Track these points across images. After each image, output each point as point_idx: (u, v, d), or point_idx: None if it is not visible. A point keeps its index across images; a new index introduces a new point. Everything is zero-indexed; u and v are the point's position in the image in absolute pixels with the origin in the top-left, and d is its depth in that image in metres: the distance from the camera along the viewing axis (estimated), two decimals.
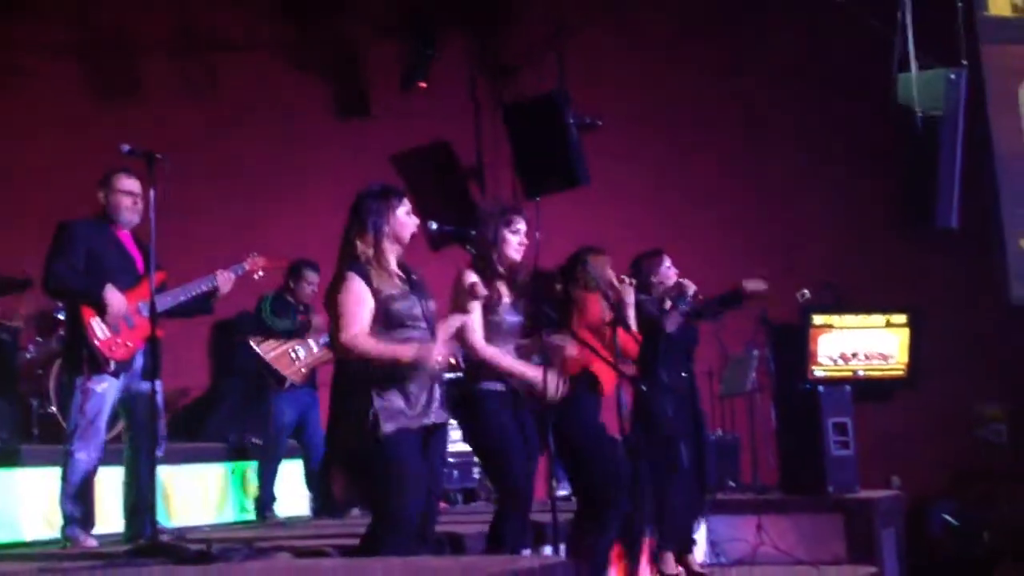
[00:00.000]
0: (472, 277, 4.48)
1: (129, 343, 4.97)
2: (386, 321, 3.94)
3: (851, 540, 7.10)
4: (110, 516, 5.33)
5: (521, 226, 4.68)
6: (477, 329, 4.44)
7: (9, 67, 8.32)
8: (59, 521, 5.01)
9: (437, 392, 4.03)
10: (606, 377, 5.11)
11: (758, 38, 10.24)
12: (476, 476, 7.85)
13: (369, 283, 3.93)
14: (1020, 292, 10.28)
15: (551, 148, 8.04)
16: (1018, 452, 9.99)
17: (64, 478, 4.94)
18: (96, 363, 4.89)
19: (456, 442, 7.35)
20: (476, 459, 7.21)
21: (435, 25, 9.24)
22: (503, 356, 4.45)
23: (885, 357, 8.00)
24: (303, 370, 6.65)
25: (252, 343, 6.69)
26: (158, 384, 4.73)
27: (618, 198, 9.64)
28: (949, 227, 7.60)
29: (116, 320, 4.94)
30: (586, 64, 9.36)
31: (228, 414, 8.05)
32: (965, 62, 7.61)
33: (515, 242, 4.62)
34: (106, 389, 4.94)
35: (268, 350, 6.64)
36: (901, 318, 8.01)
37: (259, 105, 8.94)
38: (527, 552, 4.55)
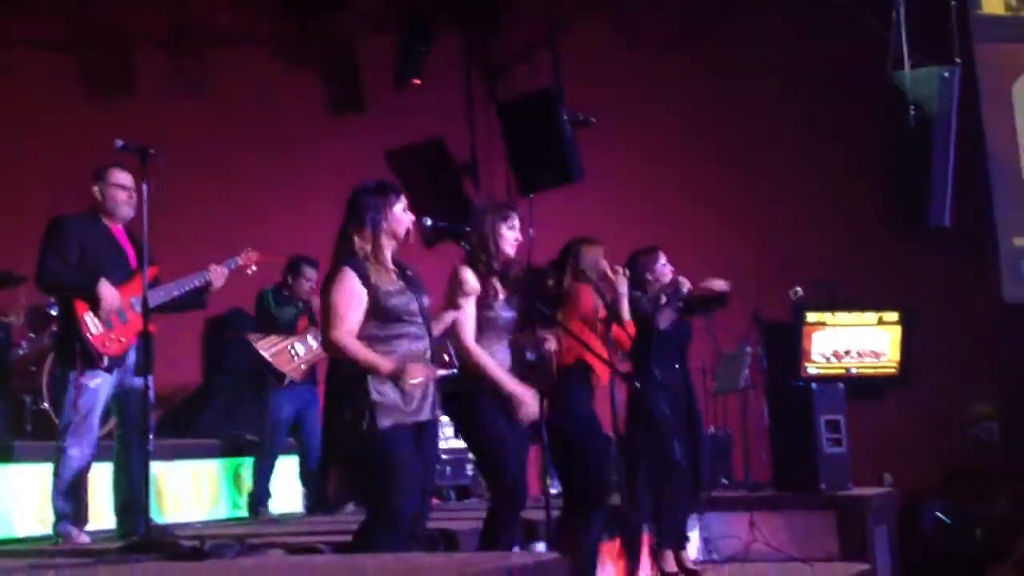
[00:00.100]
0: (468, 273, 4.48)
1: (122, 338, 4.97)
2: (383, 316, 3.95)
3: (844, 537, 7.11)
4: (103, 512, 5.33)
5: (516, 222, 4.69)
6: (469, 328, 4.45)
7: (4, 63, 8.30)
8: (51, 517, 5.00)
9: (431, 388, 4.04)
10: (600, 367, 5.12)
11: (753, 36, 10.24)
12: (469, 473, 7.86)
13: (367, 279, 3.94)
14: (1013, 291, 10.29)
15: (546, 144, 8.04)
16: (1010, 450, 10.02)
17: (57, 474, 4.94)
18: (89, 358, 4.89)
19: (449, 439, 7.38)
20: (470, 455, 7.21)
21: (430, 21, 9.24)
22: (492, 362, 4.44)
23: (878, 355, 8.01)
24: (302, 367, 6.65)
25: (251, 340, 6.69)
26: (150, 380, 4.73)
27: (612, 195, 9.64)
28: (942, 225, 7.63)
29: (109, 315, 4.94)
30: (581, 60, 9.36)
31: (221, 410, 8.04)
32: (959, 60, 7.62)
33: (510, 238, 4.63)
34: (99, 385, 4.93)
35: (267, 347, 6.64)
36: (894, 316, 8.02)
37: (254, 101, 8.93)
38: (516, 549, 4.55)
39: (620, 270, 5.35)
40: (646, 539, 6.01)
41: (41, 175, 7.84)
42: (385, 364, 3.88)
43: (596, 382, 5.19)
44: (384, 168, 8.75)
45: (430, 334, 4.10)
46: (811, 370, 7.78)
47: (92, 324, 4.91)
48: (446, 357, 4.57)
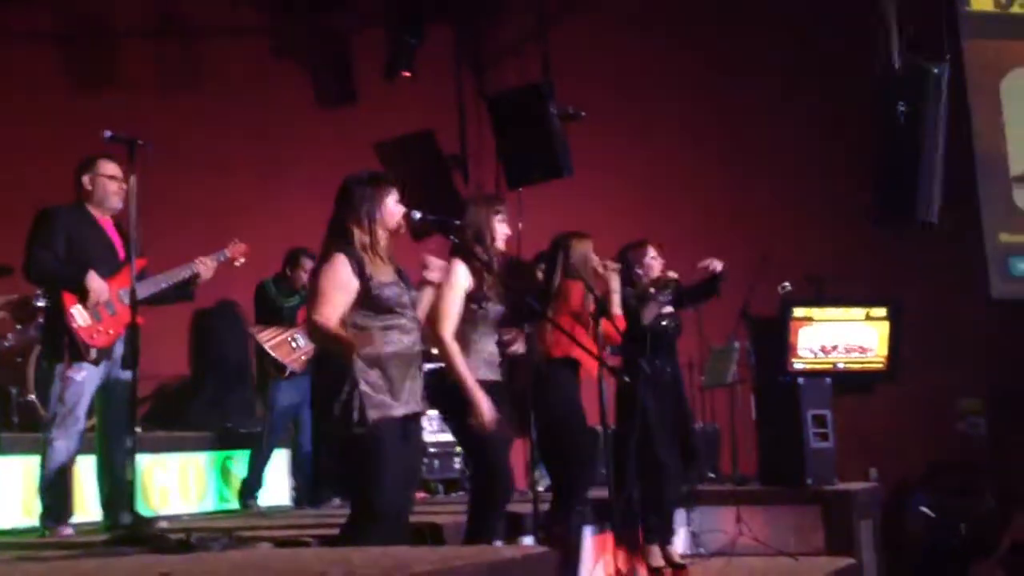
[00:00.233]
0: (462, 268, 4.49)
1: (110, 330, 4.95)
2: (375, 307, 3.95)
3: (829, 531, 7.14)
4: (89, 505, 5.32)
5: (505, 215, 4.70)
6: (450, 322, 4.44)
7: None
8: (37, 509, 4.99)
9: (418, 380, 4.04)
10: (588, 362, 5.13)
11: (742, 31, 10.26)
12: (457, 466, 7.86)
13: (363, 269, 3.94)
14: (1000, 286, 10.34)
15: (535, 138, 8.04)
16: (996, 445, 10.07)
17: (43, 466, 4.92)
18: (77, 351, 4.87)
19: (437, 432, 7.38)
20: (458, 449, 7.22)
21: (420, 14, 9.21)
22: (461, 360, 4.43)
23: (864, 350, 8.05)
24: (303, 358, 6.65)
25: (252, 331, 6.71)
26: (136, 372, 4.71)
27: (600, 189, 9.64)
28: (930, 221, 7.65)
29: (97, 307, 4.92)
30: (570, 54, 9.36)
31: (208, 403, 8.03)
32: (948, 57, 7.64)
33: (502, 232, 4.64)
34: (86, 377, 4.91)
35: (268, 338, 6.65)
36: (881, 311, 8.06)
37: (243, 93, 8.90)
38: (499, 543, 4.56)
39: (610, 265, 5.36)
40: (635, 533, 6.02)
41: (28, 166, 7.80)
42: (350, 346, 3.85)
43: (583, 376, 5.20)
44: (374, 161, 8.74)
45: (419, 324, 4.11)
46: (798, 365, 7.81)
47: (80, 316, 4.89)
48: (435, 351, 4.58)
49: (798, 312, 7.82)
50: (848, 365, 7.98)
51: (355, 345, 3.85)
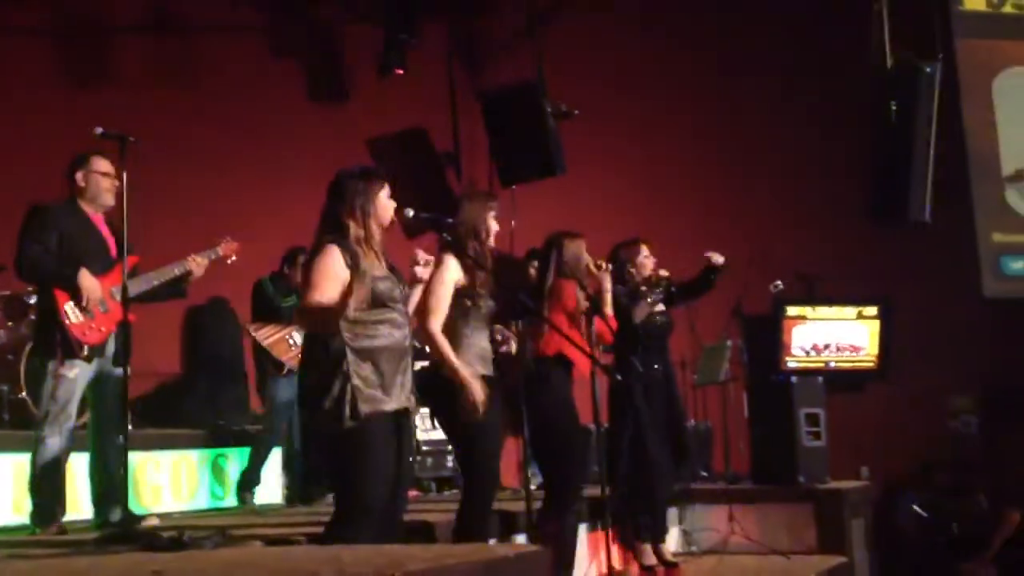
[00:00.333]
0: (453, 262, 4.48)
1: (102, 328, 4.94)
2: (370, 301, 3.95)
3: (821, 530, 7.15)
4: (81, 502, 5.30)
5: (497, 212, 4.71)
6: (439, 316, 4.44)
7: None
8: (28, 507, 4.97)
9: (409, 375, 4.04)
10: (580, 360, 5.13)
11: (735, 29, 10.26)
12: (450, 464, 7.86)
13: (357, 263, 3.93)
14: (992, 285, 10.37)
15: (528, 136, 8.05)
16: (988, 444, 10.09)
17: (34, 464, 4.90)
18: (69, 348, 4.85)
19: (430, 430, 7.38)
20: (451, 447, 7.21)
21: (414, 11, 9.20)
22: (449, 348, 4.43)
23: (857, 349, 8.06)
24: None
25: (250, 329, 6.71)
26: (128, 369, 4.71)
27: (593, 187, 9.64)
28: (922, 220, 7.67)
29: (89, 305, 4.91)
30: (564, 52, 9.35)
31: (200, 400, 8.02)
32: (941, 56, 7.66)
33: (494, 229, 4.64)
34: (78, 374, 4.90)
35: (266, 336, 6.65)
36: (873, 310, 8.08)
37: (236, 89, 8.87)
38: (493, 541, 4.56)
39: (603, 265, 5.36)
40: (627, 531, 6.03)
41: (22, 162, 7.77)
42: (338, 308, 3.82)
43: (576, 376, 5.20)
44: (367, 158, 8.73)
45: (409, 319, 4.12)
46: (791, 364, 7.82)
47: (72, 313, 4.88)
48: (427, 348, 4.57)
49: (791, 311, 7.84)
50: (840, 364, 7.99)
51: (345, 305, 3.81)
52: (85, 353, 4.89)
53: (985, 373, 10.07)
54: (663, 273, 5.94)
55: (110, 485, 4.91)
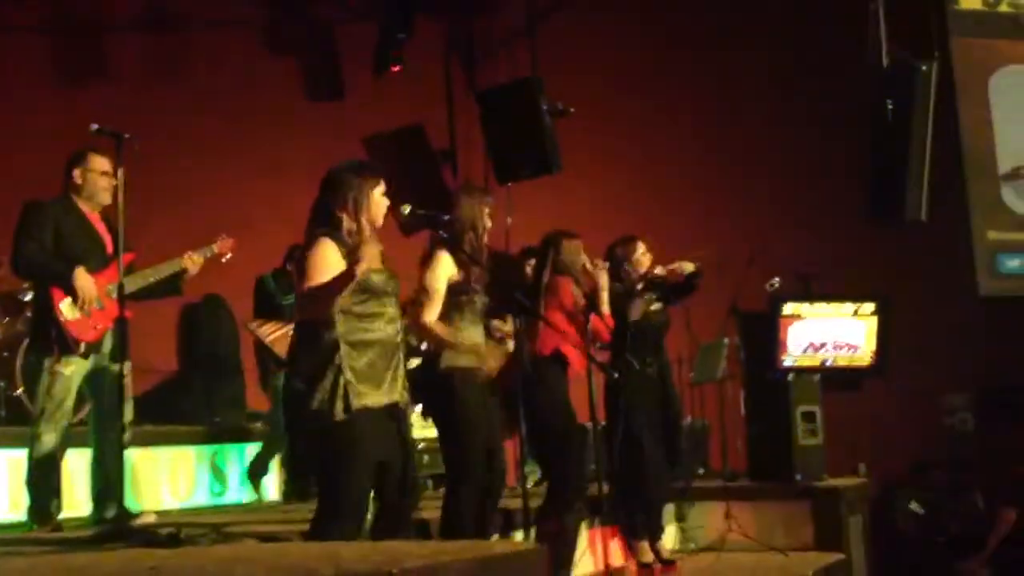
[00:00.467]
0: (446, 257, 4.49)
1: (98, 325, 4.93)
2: (362, 294, 3.94)
3: (819, 527, 7.16)
4: (77, 499, 5.29)
5: (491, 209, 4.72)
6: (433, 309, 4.44)
7: None
8: (25, 504, 4.96)
9: (401, 370, 4.04)
10: (575, 356, 5.13)
11: (734, 28, 10.26)
12: None
13: (353, 252, 3.92)
14: (988, 283, 10.38)
15: (525, 134, 8.04)
16: (985, 442, 10.10)
17: (30, 460, 4.90)
18: (65, 345, 4.85)
19: (426, 426, 7.36)
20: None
21: (410, 8, 9.19)
22: (445, 330, 4.46)
23: (853, 347, 8.05)
24: None
25: (252, 326, 6.73)
26: (126, 366, 4.70)
27: (590, 185, 9.64)
28: (918, 219, 7.67)
29: (85, 303, 4.90)
30: (561, 50, 9.35)
31: (197, 397, 8.01)
32: (937, 54, 7.66)
33: (489, 226, 4.65)
34: (74, 371, 4.89)
35: (267, 333, 6.66)
36: (869, 308, 8.06)
37: (232, 87, 8.86)
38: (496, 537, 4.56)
39: (600, 264, 5.37)
40: (624, 529, 6.03)
41: (15, 158, 7.76)
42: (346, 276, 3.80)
43: (572, 375, 5.21)
44: (363, 156, 8.72)
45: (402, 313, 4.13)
46: (788, 362, 7.81)
47: (68, 310, 4.87)
48: (424, 346, 4.57)
49: (788, 309, 7.83)
50: (837, 361, 7.99)
51: (343, 285, 3.79)
52: (81, 350, 4.88)
53: (981, 371, 10.08)
54: (659, 271, 5.94)
55: (108, 482, 4.90)
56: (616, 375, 5.28)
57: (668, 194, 10.06)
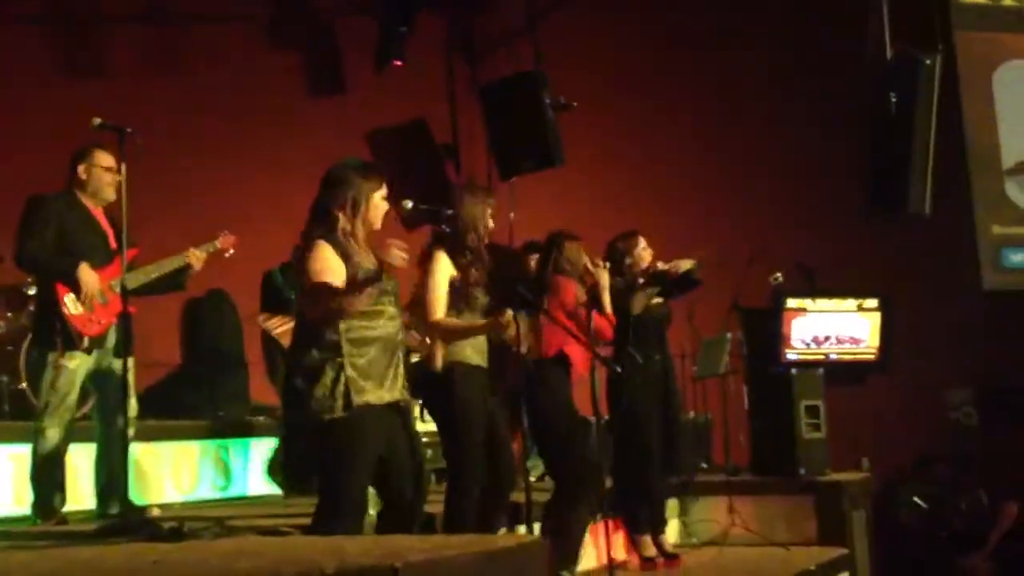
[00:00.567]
0: (444, 256, 4.49)
1: (102, 319, 4.94)
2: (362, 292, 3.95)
3: (822, 522, 7.16)
4: (81, 493, 5.30)
5: (493, 208, 4.72)
6: (434, 308, 4.45)
7: None
8: (29, 498, 4.97)
9: (401, 368, 4.04)
10: (578, 358, 5.13)
11: (735, 27, 10.25)
12: None
13: (348, 256, 3.92)
14: (992, 277, 10.38)
15: (527, 128, 8.04)
16: (988, 436, 10.09)
17: (34, 455, 4.91)
18: (69, 339, 4.86)
19: (430, 422, 7.36)
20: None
21: (412, 3, 9.18)
22: (458, 321, 4.47)
23: (857, 341, 8.05)
24: None
25: (259, 320, 6.74)
26: (130, 361, 4.71)
27: (592, 180, 9.64)
28: (922, 213, 7.66)
29: (89, 299, 4.90)
30: (564, 44, 9.34)
31: (201, 392, 8.01)
32: (940, 48, 7.64)
33: (491, 226, 4.65)
34: (78, 366, 4.90)
35: (275, 327, 6.67)
36: (873, 302, 8.07)
37: (233, 82, 8.84)
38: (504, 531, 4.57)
39: (601, 263, 5.38)
40: (626, 523, 6.03)
41: (17, 153, 7.76)
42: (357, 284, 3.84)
43: (575, 376, 5.21)
44: (365, 151, 8.72)
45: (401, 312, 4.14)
46: (791, 356, 7.82)
47: (72, 305, 4.88)
48: (424, 341, 4.57)
49: (791, 303, 7.84)
50: (840, 356, 7.99)
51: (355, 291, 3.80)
52: (85, 345, 4.89)
53: (983, 367, 10.07)
54: (660, 265, 5.94)
55: (113, 476, 4.91)
56: (619, 369, 5.28)
57: (668, 194, 10.05)
